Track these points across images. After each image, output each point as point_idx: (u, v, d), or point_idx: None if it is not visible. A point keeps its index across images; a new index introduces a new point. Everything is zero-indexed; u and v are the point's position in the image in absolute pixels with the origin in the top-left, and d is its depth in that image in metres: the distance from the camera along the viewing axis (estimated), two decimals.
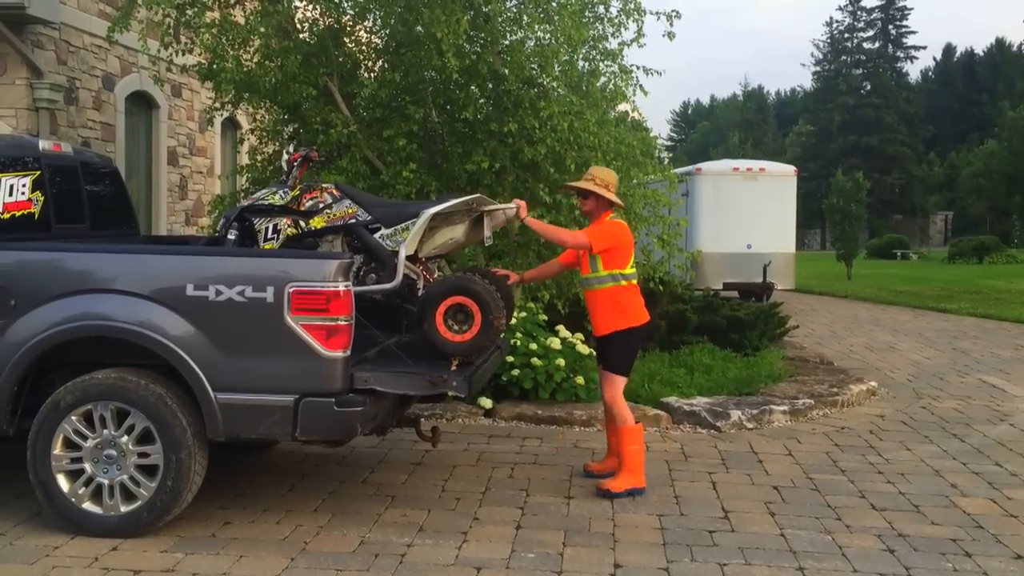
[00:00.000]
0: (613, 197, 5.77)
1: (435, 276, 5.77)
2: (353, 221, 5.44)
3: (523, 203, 5.73)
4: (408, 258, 5.28)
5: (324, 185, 5.63)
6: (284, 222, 5.49)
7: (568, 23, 7.64)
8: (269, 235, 5.49)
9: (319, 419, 4.61)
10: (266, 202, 5.57)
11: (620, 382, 5.76)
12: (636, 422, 5.74)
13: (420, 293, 5.40)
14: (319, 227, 5.48)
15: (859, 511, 5.42)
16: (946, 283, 24.69)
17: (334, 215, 5.47)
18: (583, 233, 5.74)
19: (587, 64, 8.45)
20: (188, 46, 8.53)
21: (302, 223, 5.48)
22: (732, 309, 11.09)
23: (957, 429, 7.63)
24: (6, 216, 5.20)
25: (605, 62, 8.44)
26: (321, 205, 5.50)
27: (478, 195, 5.73)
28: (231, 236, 5.53)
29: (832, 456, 6.68)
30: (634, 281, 5.78)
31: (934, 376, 10.24)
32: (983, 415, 8.21)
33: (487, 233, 5.65)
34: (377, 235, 5.42)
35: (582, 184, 5.83)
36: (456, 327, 4.93)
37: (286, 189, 5.59)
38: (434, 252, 5.65)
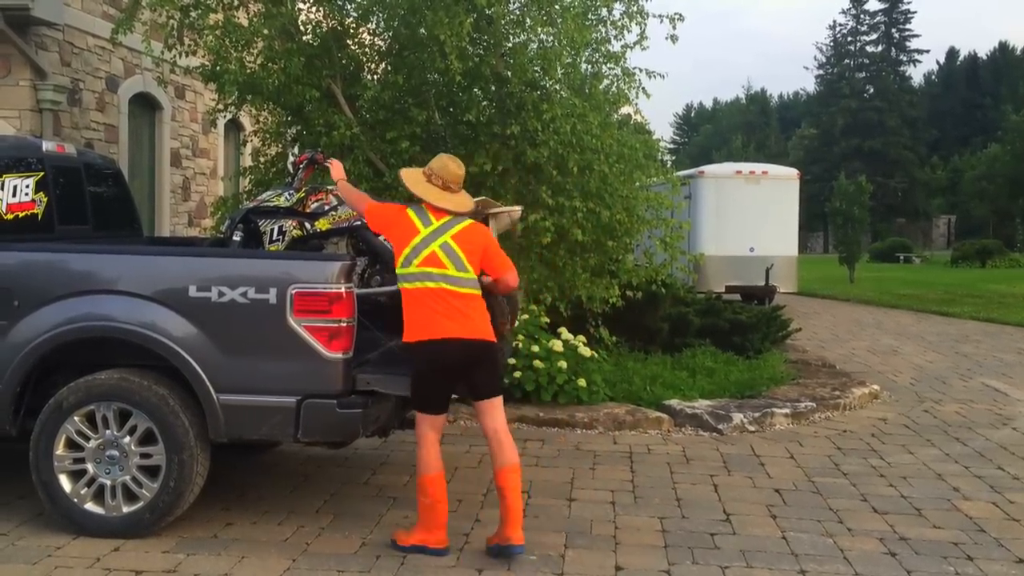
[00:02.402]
0: (417, 189, 4.71)
1: None
2: (358, 223, 5.45)
3: (336, 162, 5.32)
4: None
5: (329, 187, 5.64)
6: (289, 224, 5.50)
7: (571, 26, 7.65)
8: (274, 237, 5.50)
9: (321, 420, 4.63)
10: (271, 204, 5.58)
11: (420, 418, 4.68)
12: (434, 472, 4.61)
13: None
14: (324, 229, 5.49)
15: (861, 514, 5.42)
16: (949, 287, 24.66)
17: (339, 217, 5.48)
18: (369, 201, 4.95)
19: (590, 67, 8.45)
20: (192, 48, 8.54)
21: (307, 225, 5.49)
22: (734, 312, 11.09)
23: (959, 433, 7.62)
24: (10, 217, 5.21)
25: (608, 65, 8.44)
26: (326, 207, 5.51)
27: (483, 198, 5.73)
28: (236, 238, 5.55)
29: (834, 459, 6.68)
30: (416, 284, 4.55)
31: (936, 380, 10.23)
32: (985, 419, 8.20)
33: (492, 235, 5.65)
34: (381, 237, 5.42)
35: (404, 175, 4.91)
36: None
37: (291, 191, 5.60)
38: None
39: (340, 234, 5.52)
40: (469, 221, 4.74)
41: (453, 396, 4.89)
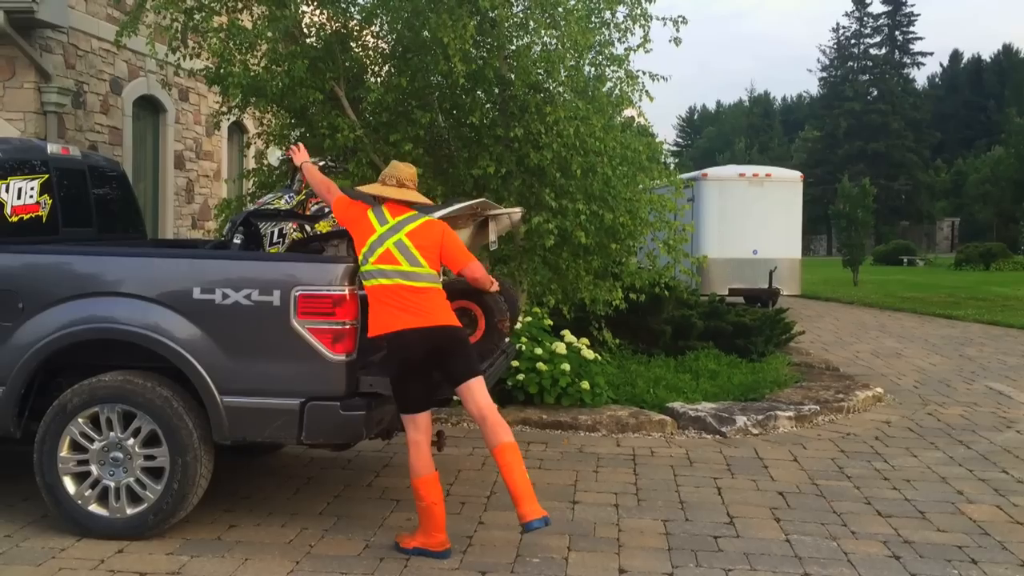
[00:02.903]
0: (371, 189, 4.92)
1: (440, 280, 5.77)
2: None
3: (300, 146, 5.34)
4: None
5: None
6: (289, 226, 5.51)
7: (575, 28, 7.65)
8: (274, 239, 5.52)
9: (324, 422, 4.63)
10: (272, 206, 5.60)
11: (404, 421, 4.69)
12: (425, 474, 4.64)
13: None
14: (324, 231, 5.50)
15: (865, 517, 5.41)
16: (952, 289, 24.64)
17: None
18: (336, 192, 5.03)
19: (593, 69, 8.44)
20: (196, 50, 8.55)
21: (307, 227, 5.50)
22: (738, 315, 11.09)
23: (963, 436, 7.61)
24: (14, 219, 5.23)
25: (611, 67, 8.44)
26: (327, 210, 5.52)
27: (482, 199, 5.73)
28: (237, 240, 5.56)
29: (838, 462, 6.67)
30: (372, 282, 4.63)
31: (940, 382, 10.22)
32: (989, 422, 8.19)
33: (492, 237, 5.66)
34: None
35: (363, 188, 5.10)
36: None
37: (292, 194, 5.61)
38: None
39: (340, 236, 5.53)
40: (424, 219, 4.83)
41: (458, 400, 4.90)
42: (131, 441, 4.73)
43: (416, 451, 4.63)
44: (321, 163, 5.87)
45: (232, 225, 5.71)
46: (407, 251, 4.66)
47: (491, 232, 5.64)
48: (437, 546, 4.60)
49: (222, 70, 8.03)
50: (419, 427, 4.66)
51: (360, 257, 4.68)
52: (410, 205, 4.87)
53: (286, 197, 5.61)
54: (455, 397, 4.90)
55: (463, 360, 4.73)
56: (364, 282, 4.68)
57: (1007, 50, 75.38)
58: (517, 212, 5.69)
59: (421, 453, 4.63)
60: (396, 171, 4.90)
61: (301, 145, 5.37)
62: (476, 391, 4.71)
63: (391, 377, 4.64)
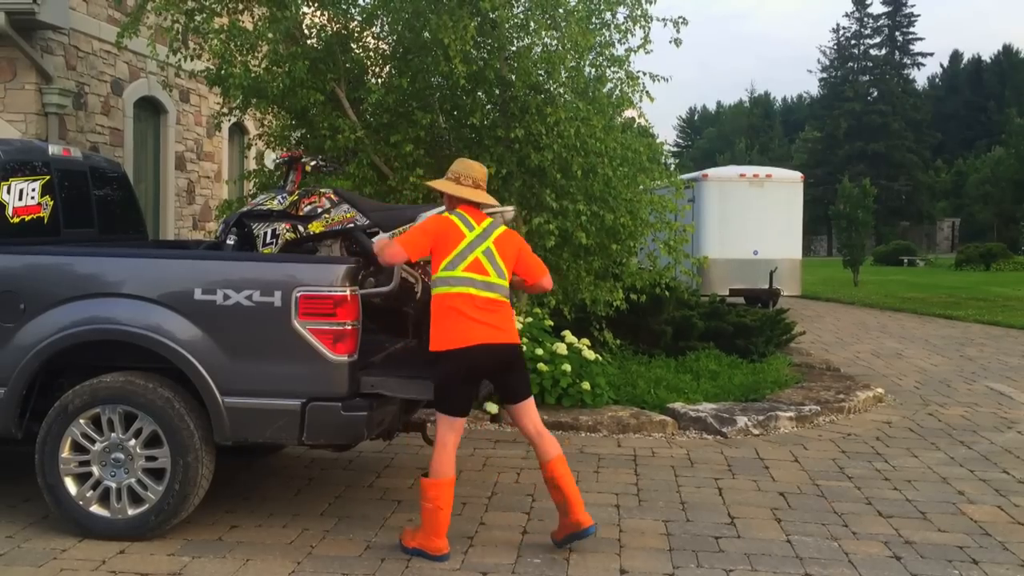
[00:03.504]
0: (453, 190, 4.77)
1: None
2: (351, 225, 5.46)
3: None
4: (406, 262, 5.27)
5: (322, 190, 5.66)
6: (282, 227, 5.50)
7: (575, 29, 7.66)
8: (268, 240, 5.51)
9: (326, 423, 4.63)
10: (265, 207, 5.60)
11: (441, 420, 4.62)
12: (444, 477, 4.57)
13: (418, 296, 5.41)
14: (318, 231, 5.49)
15: (866, 518, 5.41)
16: (953, 290, 24.64)
17: (332, 219, 5.48)
18: (396, 239, 4.73)
19: (594, 70, 8.45)
20: (196, 51, 8.56)
21: (300, 228, 5.50)
22: (738, 315, 11.10)
23: (964, 436, 7.61)
24: (16, 220, 5.23)
25: (612, 68, 8.45)
26: (319, 210, 5.51)
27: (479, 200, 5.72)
28: (230, 241, 5.56)
29: (839, 463, 6.67)
30: (458, 289, 4.55)
31: (941, 383, 10.22)
32: (990, 422, 8.19)
33: None
34: (375, 239, 5.43)
35: (430, 182, 5.06)
36: None
37: (285, 194, 5.61)
38: None
39: (334, 236, 5.52)
40: (503, 227, 4.82)
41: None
42: (132, 442, 4.73)
43: (444, 452, 4.59)
44: (313, 163, 5.88)
45: (225, 226, 5.71)
46: (494, 261, 4.66)
47: None
48: (434, 551, 4.57)
49: (223, 71, 8.04)
50: (455, 429, 4.64)
51: (446, 262, 4.57)
52: (478, 207, 4.79)
53: (279, 198, 5.61)
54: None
55: (523, 379, 4.81)
56: (443, 289, 4.57)
57: (1007, 50, 75.41)
58: (510, 211, 5.68)
59: (448, 454, 4.60)
60: (471, 171, 4.82)
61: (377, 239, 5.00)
62: (532, 409, 4.81)
63: (443, 380, 4.59)
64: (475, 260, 4.61)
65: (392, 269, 5.17)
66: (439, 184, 4.87)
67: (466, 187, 4.77)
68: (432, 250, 4.65)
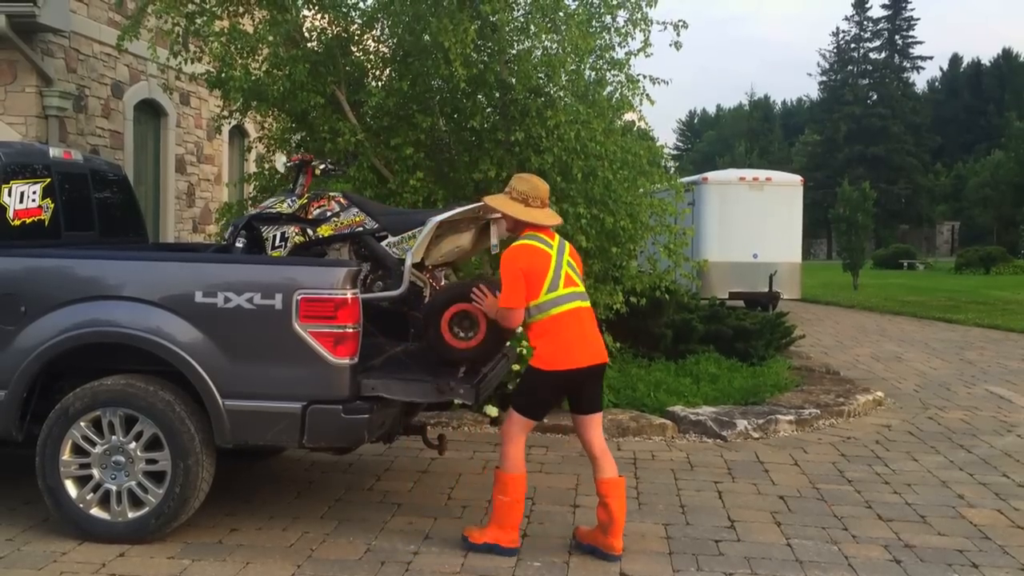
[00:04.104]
0: (526, 215, 4.75)
1: (442, 284, 5.78)
2: (360, 229, 5.46)
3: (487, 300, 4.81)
4: (415, 266, 5.30)
5: (332, 194, 5.66)
6: (292, 230, 5.52)
7: (575, 33, 7.66)
8: (277, 243, 5.52)
9: (326, 426, 4.63)
10: (274, 210, 5.61)
11: (518, 420, 4.73)
12: (518, 472, 4.70)
13: (426, 301, 5.42)
14: (326, 235, 5.50)
15: (865, 521, 5.42)
16: (952, 293, 24.66)
17: (341, 223, 5.49)
18: (500, 304, 4.68)
19: (594, 73, 8.45)
20: (197, 54, 8.57)
21: (309, 231, 5.51)
22: (738, 318, 11.10)
23: (964, 440, 7.61)
24: (17, 223, 5.24)
25: (612, 71, 8.45)
26: (328, 213, 5.52)
27: (483, 203, 5.73)
28: (239, 244, 5.57)
29: (838, 466, 6.67)
30: (569, 306, 4.67)
31: (940, 386, 10.22)
32: (990, 426, 8.19)
33: (493, 241, 5.65)
34: (384, 243, 5.44)
35: (490, 201, 4.96)
36: (461, 334, 4.95)
37: (294, 197, 5.62)
38: (441, 260, 5.65)
39: (343, 240, 5.54)
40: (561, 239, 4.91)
41: (459, 403, 4.91)
42: (133, 445, 4.73)
43: (517, 447, 4.71)
44: (322, 166, 5.88)
45: (234, 228, 5.72)
46: (575, 270, 4.81)
47: (493, 235, 5.63)
48: (509, 543, 4.70)
49: (223, 74, 8.05)
50: (526, 427, 4.77)
51: (547, 285, 4.63)
52: (538, 226, 4.78)
53: (288, 201, 5.62)
54: (459, 401, 4.90)
55: (599, 393, 4.90)
56: (555, 310, 4.63)
57: (1007, 54, 75.50)
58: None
59: (520, 450, 4.72)
60: (538, 191, 4.80)
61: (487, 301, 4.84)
62: (599, 425, 4.87)
63: (538, 394, 4.71)
64: (567, 275, 4.73)
65: (401, 274, 5.18)
66: (504, 205, 4.82)
67: (535, 209, 4.79)
68: (526, 280, 4.64)
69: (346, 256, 5.52)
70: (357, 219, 5.48)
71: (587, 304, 4.79)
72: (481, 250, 5.95)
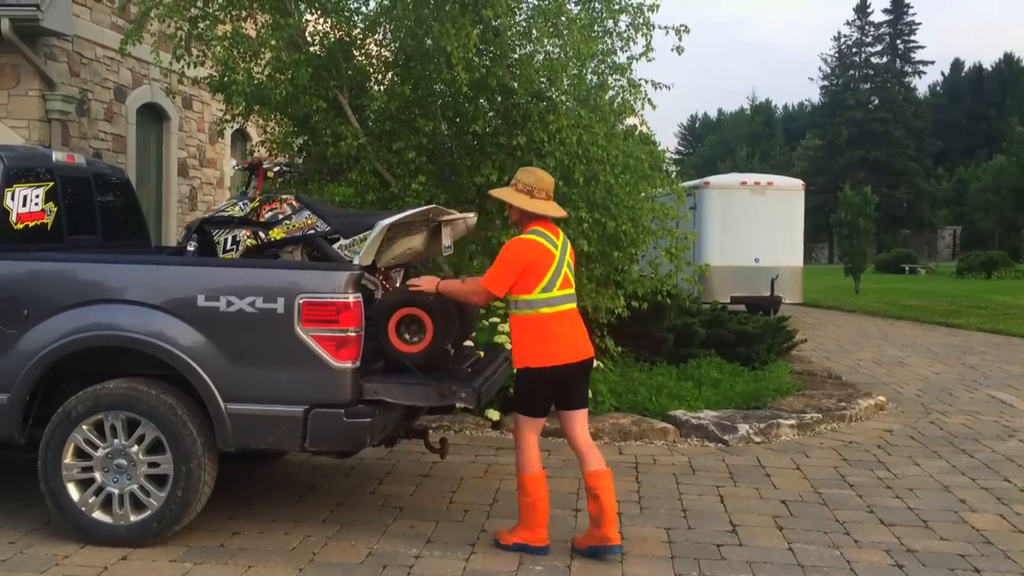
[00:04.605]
0: (531, 206, 4.74)
1: (396, 286, 5.72)
2: (312, 232, 5.46)
3: (426, 278, 4.90)
4: (367, 268, 5.25)
5: (284, 196, 5.67)
6: (243, 233, 5.51)
7: (577, 37, 7.68)
8: (228, 246, 5.51)
9: (328, 430, 4.63)
10: (226, 213, 5.61)
11: (523, 421, 4.81)
12: (535, 471, 4.77)
13: (377, 302, 5.39)
14: (278, 238, 5.50)
15: (867, 526, 5.41)
16: (954, 298, 24.63)
17: (293, 226, 5.49)
18: (481, 281, 4.76)
19: (596, 78, 8.48)
20: (200, 58, 8.59)
21: (261, 234, 5.50)
22: (740, 323, 11.09)
23: (966, 444, 7.61)
24: (19, 226, 5.24)
25: (614, 76, 8.47)
26: (280, 216, 5.52)
27: (434, 205, 5.71)
28: (191, 247, 5.57)
29: (840, 471, 6.67)
30: (560, 308, 4.71)
31: (942, 391, 10.21)
32: (992, 430, 8.18)
33: (446, 243, 5.62)
34: (336, 245, 5.43)
35: (496, 193, 5.00)
36: (409, 337, 4.87)
37: (246, 201, 5.63)
38: (393, 262, 5.60)
39: (295, 243, 5.53)
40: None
41: (461, 407, 4.90)
42: (135, 448, 4.73)
43: (530, 448, 4.77)
44: (275, 168, 5.89)
45: (187, 232, 5.73)
46: (572, 271, 4.86)
47: (445, 237, 5.59)
48: (538, 541, 4.74)
49: (226, 78, 8.07)
50: (535, 428, 4.82)
51: (543, 284, 4.65)
52: (543, 218, 4.78)
53: (240, 204, 5.63)
54: (461, 405, 4.89)
55: (585, 389, 4.97)
56: (543, 310, 4.67)
57: (1008, 59, 75.55)
58: (472, 216, 5.66)
59: (534, 451, 4.77)
60: (543, 183, 4.78)
61: (425, 278, 4.93)
62: (584, 420, 4.93)
63: (534, 392, 4.76)
64: (565, 276, 4.76)
65: None
66: (511, 196, 4.79)
67: (540, 201, 4.76)
68: (523, 274, 4.66)
69: (299, 258, 5.51)
70: (309, 222, 5.48)
71: (575, 305, 4.84)
72: (435, 252, 5.88)
